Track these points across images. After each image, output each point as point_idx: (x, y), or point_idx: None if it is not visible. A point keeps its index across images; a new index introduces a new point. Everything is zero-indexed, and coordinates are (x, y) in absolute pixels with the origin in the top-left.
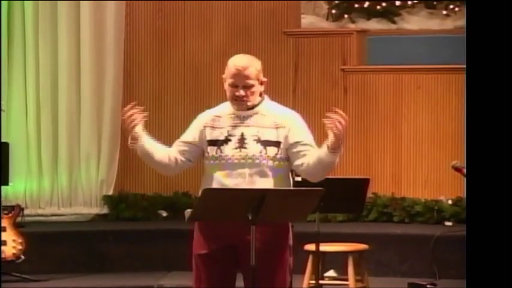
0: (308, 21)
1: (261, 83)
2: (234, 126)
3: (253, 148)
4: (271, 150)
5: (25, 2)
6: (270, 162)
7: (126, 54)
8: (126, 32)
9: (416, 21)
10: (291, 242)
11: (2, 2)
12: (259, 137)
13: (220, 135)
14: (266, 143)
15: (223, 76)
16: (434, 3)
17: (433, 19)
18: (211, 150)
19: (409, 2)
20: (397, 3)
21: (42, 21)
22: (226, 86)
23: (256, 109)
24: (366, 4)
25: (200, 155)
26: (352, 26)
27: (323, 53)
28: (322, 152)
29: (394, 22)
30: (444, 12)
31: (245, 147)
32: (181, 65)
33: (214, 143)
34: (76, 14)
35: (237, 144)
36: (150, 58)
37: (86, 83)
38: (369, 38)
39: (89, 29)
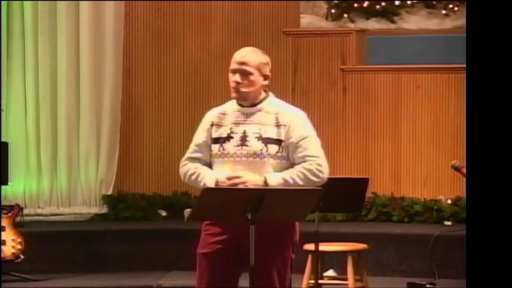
0: (307, 20)
1: (264, 77)
2: (237, 124)
3: (254, 145)
4: (272, 148)
5: (24, 2)
6: (271, 160)
7: (125, 54)
8: (125, 31)
9: (415, 21)
10: (296, 238)
11: (2, 2)
12: (260, 134)
13: (223, 132)
14: (267, 141)
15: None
16: (434, 2)
17: (432, 19)
18: (215, 148)
19: (409, 2)
20: (396, 2)
21: (42, 21)
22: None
23: (259, 106)
24: (365, 4)
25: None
26: (351, 25)
27: (322, 52)
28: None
29: (393, 22)
30: (443, 11)
31: (246, 145)
32: (181, 64)
33: (217, 140)
34: (75, 14)
35: (239, 142)
36: (149, 58)
37: (85, 82)
38: (368, 37)
39: (88, 29)
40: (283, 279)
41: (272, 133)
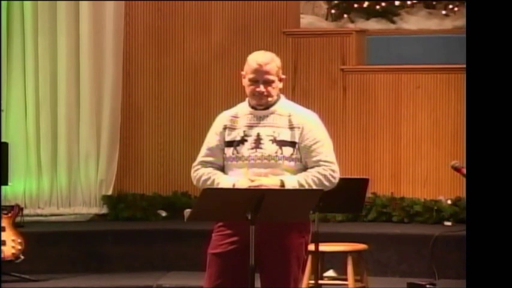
0: (307, 21)
1: (280, 80)
2: (250, 127)
3: (269, 148)
4: (287, 150)
5: (24, 2)
6: (286, 162)
7: (125, 54)
8: (125, 32)
9: (415, 21)
10: (308, 238)
11: (2, 2)
12: (275, 137)
13: (237, 135)
14: (282, 143)
15: (243, 72)
16: (434, 3)
17: (432, 19)
18: (228, 151)
19: (408, 2)
20: (396, 3)
21: (42, 21)
22: (245, 82)
23: (272, 109)
24: (365, 4)
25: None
26: (351, 25)
27: (322, 52)
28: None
29: (393, 22)
30: (443, 12)
31: (261, 148)
32: (181, 65)
33: (230, 144)
34: (75, 14)
35: (253, 145)
36: (149, 58)
37: (85, 83)
38: (368, 37)
39: (88, 29)
40: (296, 280)
41: (286, 135)
